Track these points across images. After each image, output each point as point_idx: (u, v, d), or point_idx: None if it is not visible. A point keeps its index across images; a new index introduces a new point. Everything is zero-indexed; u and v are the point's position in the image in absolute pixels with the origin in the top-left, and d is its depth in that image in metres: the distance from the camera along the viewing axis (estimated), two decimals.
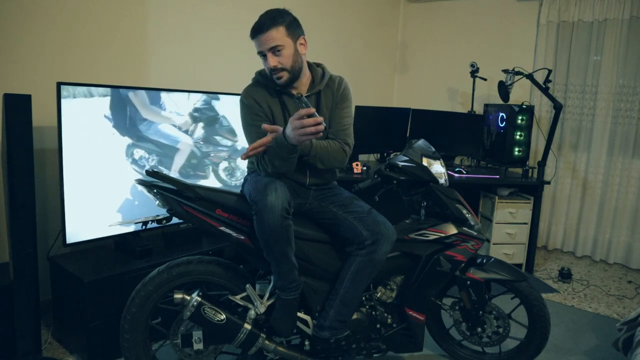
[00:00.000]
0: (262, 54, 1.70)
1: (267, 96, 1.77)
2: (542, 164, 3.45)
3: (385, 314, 1.93)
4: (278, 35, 1.66)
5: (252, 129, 1.76)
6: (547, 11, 3.84)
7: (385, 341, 1.94)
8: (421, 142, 2.06)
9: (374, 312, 1.91)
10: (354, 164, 3.31)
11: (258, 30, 1.66)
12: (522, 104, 3.45)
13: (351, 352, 1.87)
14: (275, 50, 1.67)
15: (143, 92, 2.30)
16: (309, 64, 1.83)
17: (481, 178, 3.34)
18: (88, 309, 1.99)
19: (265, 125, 1.61)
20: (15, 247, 1.75)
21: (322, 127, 1.49)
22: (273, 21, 1.65)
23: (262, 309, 1.74)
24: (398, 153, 2.06)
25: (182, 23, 2.84)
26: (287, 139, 1.55)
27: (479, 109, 3.99)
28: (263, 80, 1.79)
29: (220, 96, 2.64)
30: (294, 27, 1.71)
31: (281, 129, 1.59)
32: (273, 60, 1.68)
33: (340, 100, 1.84)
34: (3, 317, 1.92)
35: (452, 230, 1.92)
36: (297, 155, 1.64)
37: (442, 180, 1.96)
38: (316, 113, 1.49)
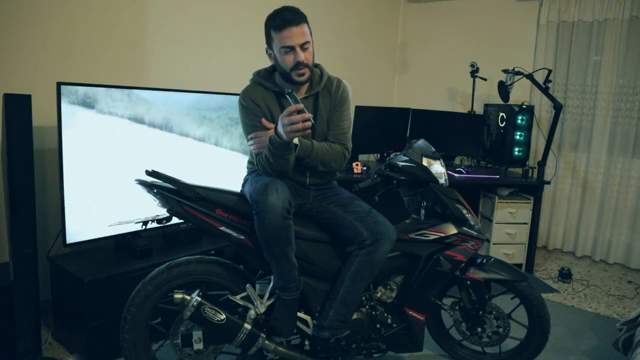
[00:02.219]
0: (289, 48, 1.66)
1: (265, 97, 1.77)
2: (542, 164, 3.45)
3: (385, 314, 1.93)
4: (306, 31, 1.68)
5: (251, 129, 1.76)
6: (547, 11, 3.84)
7: (385, 341, 1.94)
8: (421, 142, 2.06)
9: (374, 312, 1.91)
10: (353, 164, 3.30)
11: (292, 21, 1.63)
12: (522, 104, 3.44)
13: (351, 352, 1.87)
14: (303, 45, 1.67)
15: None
16: None
17: (481, 178, 3.34)
18: (88, 309, 1.99)
19: (263, 120, 1.63)
20: (15, 247, 1.75)
21: (309, 123, 1.51)
22: (301, 17, 1.66)
23: (262, 309, 1.74)
24: (398, 153, 2.06)
25: (182, 23, 2.84)
26: (279, 135, 1.57)
27: (479, 109, 3.99)
28: (261, 81, 1.79)
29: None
30: (309, 26, 1.72)
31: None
32: (302, 55, 1.67)
33: (339, 104, 1.84)
34: (3, 317, 1.92)
35: (452, 230, 1.92)
36: (292, 153, 1.65)
37: (442, 180, 1.96)
38: (305, 110, 1.52)
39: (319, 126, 1.81)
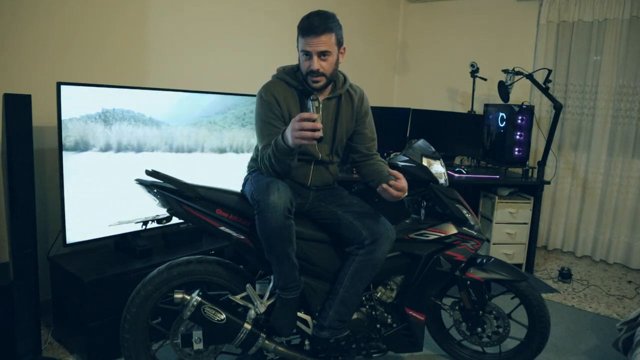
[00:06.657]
0: (307, 53, 1.67)
1: (287, 94, 1.75)
2: (542, 164, 3.45)
3: (385, 314, 1.93)
4: (329, 41, 1.65)
5: (264, 125, 1.74)
6: (547, 11, 3.83)
7: (385, 341, 1.94)
8: (421, 142, 2.06)
9: (374, 312, 1.91)
10: None
11: (312, 31, 1.63)
12: (522, 104, 3.45)
13: (351, 352, 1.87)
14: (322, 54, 1.66)
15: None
16: None
17: (481, 178, 3.34)
18: (88, 309, 1.99)
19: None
20: (15, 247, 1.75)
21: (318, 134, 1.48)
22: (327, 26, 1.64)
23: (262, 309, 1.74)
24: (398, 153, 2.06)
25: (182, 23, 2.84)
26: (284, 139, 1.56)
27: (479, 109, 3.99)
28: (286, 78, 1.77)
29: None
30: (340, 35, 1.71)
31: None
32: (317, 64, 1.66)
33: (365, 114, 1.90)
34: (3, 317, 1.92)
35: (452, 230, 1.93)
36: (294, 159, 1.64)
37: (442, 180, 1.96)
38: (318, 119, 1.49)
39: (338, 130, 1.83)
